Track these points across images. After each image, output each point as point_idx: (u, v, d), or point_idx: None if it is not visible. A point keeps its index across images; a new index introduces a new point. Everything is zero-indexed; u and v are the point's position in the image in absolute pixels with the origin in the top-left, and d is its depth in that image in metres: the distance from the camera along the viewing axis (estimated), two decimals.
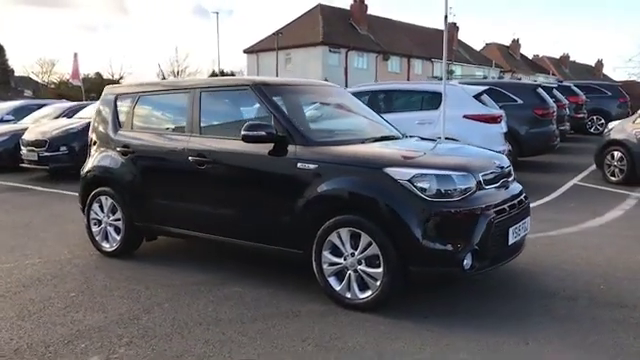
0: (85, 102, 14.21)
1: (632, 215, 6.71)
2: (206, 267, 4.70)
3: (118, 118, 5.20)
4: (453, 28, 52.11)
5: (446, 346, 3.17)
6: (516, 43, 64.08)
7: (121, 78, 48.50)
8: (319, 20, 39.97)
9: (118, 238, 5.04)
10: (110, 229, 5.10)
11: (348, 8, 43.59)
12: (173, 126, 4.89)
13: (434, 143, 4.75)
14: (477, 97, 8.44)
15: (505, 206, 3.77)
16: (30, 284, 4.41)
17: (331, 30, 39.42)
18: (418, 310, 3.68)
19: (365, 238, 3.62)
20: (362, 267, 3.66)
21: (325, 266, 3.83)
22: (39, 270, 4.76)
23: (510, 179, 4.14)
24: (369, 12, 43.83)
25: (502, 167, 4.06)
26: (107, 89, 5.51)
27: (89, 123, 11.03)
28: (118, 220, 5.02)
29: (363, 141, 4.27)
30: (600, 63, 77.78)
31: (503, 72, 54.16)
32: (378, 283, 3.60)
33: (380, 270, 3.58)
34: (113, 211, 5.06)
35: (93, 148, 5.41)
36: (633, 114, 9.85)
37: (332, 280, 3.82)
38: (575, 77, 55.49)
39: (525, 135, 10.06)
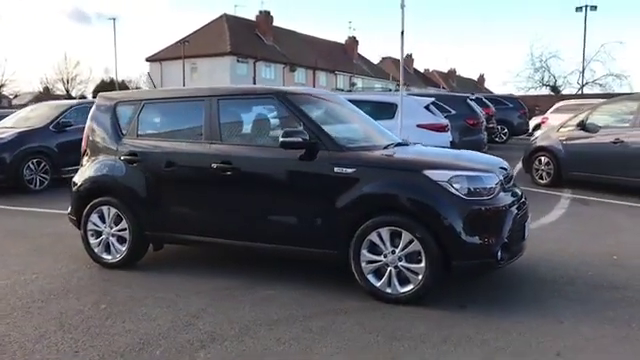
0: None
1: (573, 212, 7.57)
2: (223, 273, 4.73)
3: (119, 126, 5.09)
4: (353, 42, 54.20)
5: (501, 329, 3.52)
6: (410, 58, 67.54)
7: (2, 86, 45.06)
8: (225, 30, 39.79)
9: (123, 249, 4.92)
10: (112, 240, 4.96)
11: (253, 19, 43.79)
12: (187, 133, 4.88)
13: (442, 149, 5.16)
14: (427, 107, 9.06)
15: (519, 204, 4.24)
16: (47, 298, 4.21)
17: (238, 40, 39.39)
18: (452, 301, 4.00)
19: (406, 236, 3.91)
20: (403, 263, 3.94)
21: (364, 264, 4.06)
22: (44, 285, 4.54)
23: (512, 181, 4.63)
24: (274, 24, 44.32)
25: (507, 170, 4.53)
26: (102, 97, 5.36)
27: (21, 133, 10.54)
28: (123, 230, 4.91)
29: (385, 147, 4.56)
30: (482, 77, 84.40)
31: (399, 85, 56.93)
32: (420, 277, 3.90)
33: (422, 265, 3.88)
34: (117, 221, 4.93)
35: (85, 158, 5.23)
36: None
37: (371, 277, 4.06)
38: (461, 90, 59.77)
39: (459, 143, 10.84)
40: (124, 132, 5.04)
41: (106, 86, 45.43)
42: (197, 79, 37.65)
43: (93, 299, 4.19)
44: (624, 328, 3.55)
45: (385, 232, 3.98)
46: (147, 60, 43.68)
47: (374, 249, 4.04)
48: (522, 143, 15.88)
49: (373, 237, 4.01)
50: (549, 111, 18.42)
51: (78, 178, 5.20)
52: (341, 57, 51.59)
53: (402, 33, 8.67)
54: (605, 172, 8.76)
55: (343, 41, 54.07)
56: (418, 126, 8.66)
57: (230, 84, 36.14)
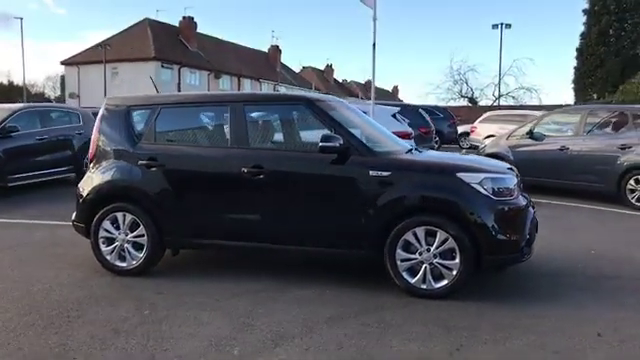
0: None
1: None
2: (249, 276, 4.79)
3: (134, 130, 5.00)
4: (276, 51, 54.46)
5: (537, 316, 3.88)
6: (330, 68, 68.90)
7: None
8: (148, 35, 38.69)
9: (140, 255, 4.83)
10: (128, 246, 4.86)
11: (176, 24, 42.89)
12: (210, 138, 4.89)
13: (454, 154, 5.49)
14: (394, 116, 9.47)
15: (531, 205, 4.66)
16: (80, 307, 4.09)
17: (162, 45, 38.43)
18: (473, 296, 4.29)
19: (442, 234, 4.19)
20: (437, 260, 4.22)
21: (399, 263, 4.30)
22: (67, 294, 4.39)
23: None
24: (198, 30, 43.66)
25: (516, 173, 4.94)
26: (112, 101, 5.23)
27: None
28: (140, 236, 4.83)
29: (408, 151, 4.82)
30: (396, 89, 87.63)
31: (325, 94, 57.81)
32: (454, 272, 4.19)
33: (456, 261, 4.17)
34: (132, 227, 4.84)
35: (93, 164, 5.09)
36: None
37: (405, 275, 4.30)
38: (377, 100, 61.86)
39: None
40: (140, 137, 4.96)
41: (6, 91, 42.60)
42: (119, 84, 36.24)
43: (130, 305, 4.11)
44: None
45: (421, 231, 4.24)
46: (62, 63, 41.48)
47: (408, 248, 4.28)
48: (453, 150, 16.85)
49: (409, 236, 4.26)
50: (477, 121, 19.61)
51: (86, 184, 5.04)
52: (265, 65, 51.68)
53: (374, 45, 9.02)
54: (553, 177, 9.56)
55: (266, 49, 54.18)
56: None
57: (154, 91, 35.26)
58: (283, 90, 50.79)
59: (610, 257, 5.52)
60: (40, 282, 4.70)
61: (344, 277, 4.72)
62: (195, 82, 40.68)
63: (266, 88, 48.89)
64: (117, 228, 4.89)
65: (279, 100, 5.05)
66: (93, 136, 5.14)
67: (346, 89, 71.06)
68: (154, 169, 4.80)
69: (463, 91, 37.10)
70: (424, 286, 4.26)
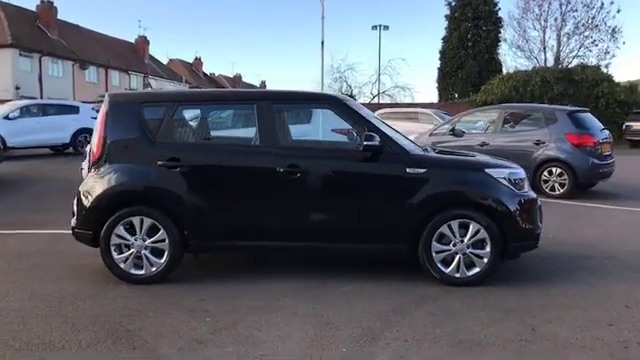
0: None
1: None
2: (281, 275, 4.75)
3: (148, 129, 4.68)
4: (144, 41, 51.83)
5: (564, 295, 4.37)
6: (199, 61, 67.16)
7: None
8: (2, 19, 34.63)
9: (161, 261, 4.57)
10: (146, 253, 4.56)
11: (33, 9, 38.94)
12: (236, 137, 4.75)
13: (464, 151, 5.78)
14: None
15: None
16: (135, 321, 3.80)
17: (19, 31, 34.62)
18: (508, 285, 4.70)
19: (474, 226, 4.53)
20: (470, 250, 4.56)
21: (434, 254, 4.57)
22: (100, 308, 4.06)
23: None
24: (58, 16, 40.04)
25: None
26: (118, 97, 4.83)
27: None
28: (160, 241, 4.56)
29: (424, 150, 5.09)
30: (264, 84, 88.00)
31: (192, 87, 56.24)
32: (485, 260, 4.55)
33: (487, 250, 4.54)
34: (150, 232, 4.55)
35: (98, 165, 4.68)
36: None
37: (440, 265, 4.58)
38: None
39: None
40: (156, 135, 4.66)
41: None
42: None
43: (184, 315, 3.92)
44: None
45: (455, 224, 4.54)
46: None
47: (441, 240, 4.57)
48: None
49: (444, 229, 4.54)
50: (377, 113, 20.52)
51: (92, 188, 4.62)
52: (132, 56, 48.90)
53: (322, 43, 9.18)
54: None
55: (133, 40, 51.27)
56: (332, 130, 9.24)
57: (12, 81, 31.90)
58: (154, 82, 48.64)
59: (571, 242, 6.26)
60: (48, 296, 4.28)
61: (372, 271, 4.87)
62: (58, 73, 37.26)
63: (135, 80, 46.38)
64: (132, 234, 4.56)
65: (307, 99, 5.03)
66: (97, 135, 4.71)
67: (215, 82, 69.84)
68: (178, 169, 4.55)
69: (343, 89, 38.46)
70: (458, 275, 4.57)
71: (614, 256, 5.59)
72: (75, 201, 4.79)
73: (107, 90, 40.22)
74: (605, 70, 30.45)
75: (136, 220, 4.55)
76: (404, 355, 3.27)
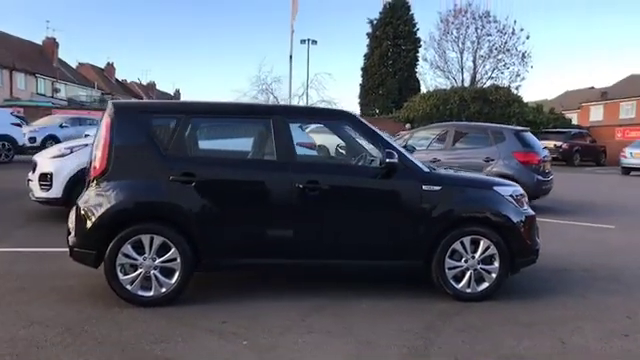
0: None
1: None
2: (291, 293, 4.66)
3: (159, 142, 4.43)
4: (53, 44, 48.96)
5: (567, 308, 4.62)
6: (111, 67, 64.37)
7: None
8: None
9: (172, 281, 4.32)
10: (155, 273, 4.30)
11: None
12: (252, 152, 4.59)
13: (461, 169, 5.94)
14: (300, 127, 9.67)
15: None
16: (167, 347, 3.55)
17: None
18: (511, 299, 4.88)
19: (485, 242, 4.69)
20: (480, 266, 4.71)
21: (447, 271, 4.67)
22: (119, 333, 3.76)
23: None
24: None
25: None
26: (123, 106, 4.52)
27: None
28: (171, 261, 4.31)
29: (431, 168, 5.19)
30: (178, 92, 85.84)
31: (104, 94, 53.75)
32: (494, 276, 4.72)
33: (495, 265, 4.71)
34: (161, 251, 4.30)
35: (101, 179, 4.35)
36: None
37: (452, 281, 4.69)
38: None
39: None
40: (167, 149, 4.41)
41: None
42: None
43: (212, 338, 3.73)
44: (633, 296, 5.04)
45: (467, 240, 4.67)
46: None
47: (453, 256, 4.68)
48: None
49: (457, 245, 4.66)
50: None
51: (97, 203, 4.29)
52: (39, 59, 45.93)
53: (290, 57, 9.14)
54: None
55: (40, 42, 48.23)
56: (298, 144, 9.20)
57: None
58: (63, 87, 46.05)
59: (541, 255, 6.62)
60: (59, 323, 3.89)
61: (380, 288, 4.89)
62: None
63: (43, 84, 43.63)
64: (141, 253, 4.28)
65: (324, 114, 4.97)
66: (102, 146, 4.37)
67: (128, 89, 67.21)
68: (193, 184, 4.33)
69: (270, 101, 38.22)
70: (469, 290, 4.70)
71: (588, 269, 5.99)
72: (73, 218, 4.42)
73: (11, 94, 37.54)
74: (516, 91, 32.71)
75: (145, 238, 4.27)
76: None
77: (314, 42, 31.66)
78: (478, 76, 34.71)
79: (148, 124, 4.46)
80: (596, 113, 47.20)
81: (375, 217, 4.62)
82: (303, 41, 30.98)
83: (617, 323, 4.29)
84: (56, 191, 7.74)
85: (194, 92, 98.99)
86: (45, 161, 8.08)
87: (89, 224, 4.27)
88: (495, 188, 4.84)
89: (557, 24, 76.14)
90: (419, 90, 36.92)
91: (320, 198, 4.48)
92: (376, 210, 4.63)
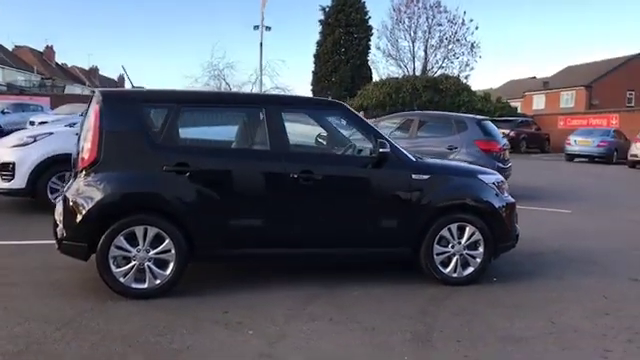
0: None
1: None
2: (281, 282, 4.69)
3: (151, 131, 4.34)
4: None
5: (550, 290, 4.86)
6: (50, 50, 61.58)
7: None
8: None
9: (166, 273, 4.26)
10: (149, 264, 4.23)
11: None
12: (245, 141, 4.57)
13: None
14: None
15: None
16: (180, 339, 3.53)
17: None
18: (492, 283, 5.09)
19: (470, 229, 4.86)
20: (466, 251, 4.88)
21: (435, 257, 4.82)
22: (121, 326, 3.69)
23: None
24: None
25: None
26: (113, 94, 4.39)
27: None
28: (166, 252, 4.26)
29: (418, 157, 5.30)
30: (122, 78, 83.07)
31: (45, 79, 51.48)
32: (478, 261, 4.90)
33: (480, 251, 4.90)
34: (155, 243, 4.24)
35: (92, 169, 4.22)
36: None
37: (440, 267, 4.84)
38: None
39: None
40: (160, 138, 4.33)
41: None
42: None
43: (222, 329, 3.73)
44: (605, 276, 5.34)
45: (454, 227, 4.83)
46: None
47: (441, 242, 4.83)
48: None
49: (444, 232, 4.81)
50: None
51: (88, 194, 4.17)
52: None
53: (261, 45, 9.05)
54: None
55: None
56: None
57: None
58: (0, 74, 43.84)
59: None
60: (56, 318, 3.78)
61: (366, 275, 4.99)
62: None
63: None
64: (134, 245, 4.20)
65: (317, 104, 4.97)
66: (91, 136, 4.23)
67: (70, 74, 64.62)
68: (186, 175, 4.27)
69: (222, 87, 37.63)
70: (455, 275, 4.87)
71: (558, 251, 6.31)
72: (61, 210, 4.29)
73: None
74: (465, 81, 33.54)
75: (139, 230, 4.19)
76: (468, 355, 3.44)
77: (267, 28, 31.41)
78: (429, 65, 35.37)
79: (139, 113, 4.35)
80: (538, 102, 49.02)
81: (367, 206, 4.70)
82: (256, 27, 30.68)
83: (596, 303, 4.56)
84: (19, 182, 7.45)
85: (140, 78, 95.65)
86: (5, 150, 7.73)
87: (79, 216, 4.15)
88: (479, 176, 5.02)
89: (501, 15, 78.58)
90: (371, 78, 37.32)
91: (314, 188, 4.51)
92: (368, 199, 4.71)
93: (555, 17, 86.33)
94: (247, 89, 33.46)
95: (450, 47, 34.71)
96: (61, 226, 4.27)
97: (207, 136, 4.65)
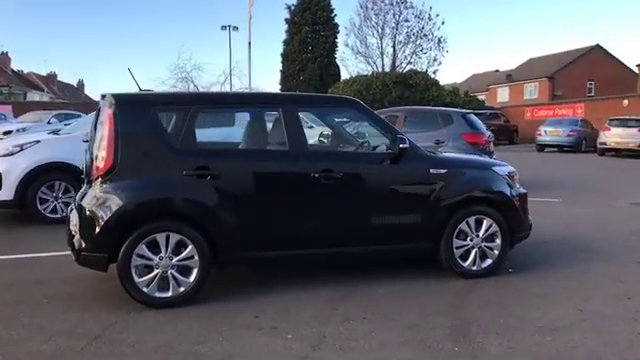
0: None
1: None
2: (305, 283, 4.63)
3: (167, 135, 4.22)
4: None
5: (564, 277, 4.94)
6: (5, 56, 59.67)
7: None
8: None
9: (190, 280, 4.15)
10: (172, 272, 4.12)
11: None
12: (264, 142, 4.47)
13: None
14: None
15: None
16: (231, 346, 3.42)
17: None
18: (509, 273, 5.11)
19: (488, 221, 4.89)
20: (484, 244, 4.91)
21: (454, 250, 4.83)
22: (153, 338, 3.56)
23: None
24: None
25: None
26: (125, 98, 4.23)
27: None
28: (189, 258, 4.15)
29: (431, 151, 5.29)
30: (81, 83, 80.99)
31: (1, 86, 49.85)
32: (496, 252, 4.94)
33: (497, 243, 4.93)
34: (178, 249, 4.12)
35: (109, 176, 4.07)
36: None
37: (459, 260, 4.86)
38: (63, 95, 57.27)
39: None
40: (177, 142, 4.21)
41: None
42: None
43: (259, 335, 3.65)
44: (611, 260, 5.46)
45: (472, 220, 4.85)
46: None
47: (459, 236, 4.85)
48: None
49: (463, 226, 4.83)
50: None
51: (107, 202, 4.02)
52: None
53: (249, 44, 8.98)
54: None
55: None
56: None
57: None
58: None
59: None
60: (79, 332, 3.64)
61: (380, 272, 4.96)
62: None
63: None
64: (156, 252, 4.08)
65: (333, 102, 4.91)
66: (107, 142, 4.07)
67: (27, 81, 62.70)
68: (208, 179, 4.17)
69: (190, 89, 37.03)
70: (474, 267, 4.89)
71: (560, 240, 6.41)
72: (76, 220, 4.13)
73: None
74: (433, 75, 33.90)
75: (161, 237, 4.07)
76: (511, 346, 3.45)
77: (235, 28, 31.16)
78: (398, 61, 35.62)
79: (154, 116, 4.22)
80: (502, 94, 49.93)
81: (388, 202, 4.68)
82: (224, 27, 30.32)
83: (615, 288, 4.65)
84: (7, 193, 7.16)
85: (101, 82, 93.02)
86: None
87: (99, 226, 4.00)
88: (494, 168, 5.05)
89: (462, 10, 79.68)
90: (339, 76, 37.38)
91: (335, 186, 4.46)
92: (389, 195, 4.69)
93: (515, 10, 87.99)
94: (215, 90, 33.11)
95: (418, 42, 35.07)
96: (78, 237, 4.11)
97: (225, 138, 4.54)
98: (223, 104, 4.62)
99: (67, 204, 7.31)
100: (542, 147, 23.64)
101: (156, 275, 4.07)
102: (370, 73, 34.31)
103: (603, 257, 5.66)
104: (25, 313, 4.02)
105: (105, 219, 3.99)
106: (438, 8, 57.88)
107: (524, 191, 5.26)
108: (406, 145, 4.56)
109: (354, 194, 4.59)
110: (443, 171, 4.78)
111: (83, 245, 4.05)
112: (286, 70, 38.80)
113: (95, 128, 4.64)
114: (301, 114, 4.68)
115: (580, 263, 5.42)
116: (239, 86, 33.22)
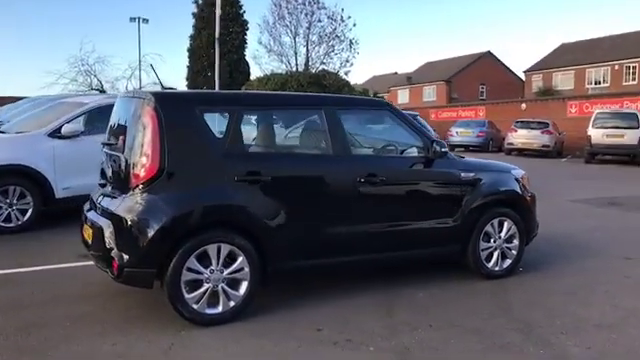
0: None
1: None
2: (335, 291, 4.50)
3: (215, 138, 3.90)
4: None
5: (570, 275, 5.21)
6: None
7: None
8: None
9: (240, 294, 3.88)
10: (223, 286, 3.82)
11: None
12: (308, 145, 4.27)
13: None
14: None
15: None
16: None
17: None
18: (519, 273, 5.29)
19: (508, 223, 5.05)
20: (505, 244, 5.06)
21: (480, 252, 4.94)
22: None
23: None
24: None
25: None
26: (173, 98, 3.88)
27: None
28: (239, 271, 3.87)
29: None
30: None
31: None
32: (514, 252, 5.12)
33: (515, 243, 5.12)
34: (228, 261, 3.83)
35: (153, 183, 3.68)
36: None
37: (485, 262, 4.97)
38: None
39: None
40: (225, 146, 3.90)
41: None
42: None
43: (336, 349, 3.49)
44: (602, 256, 5.84)
45: (496, 222, 4.99)
46: None
47: (484, 238, 4.96)
48: None
49: (488, 228, 4.95)
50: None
51: (154, 213, 3.64)
52: None
53: (217, 39, 8.48)
54: None
55: None
56: None
57: None
58: None
59: None
60: (140, 356, 3.27)
61: (408, 277, 4.94)
62: None
63: None
64: (206, 265, 3.76)
65: (368, 104, 4.76)
66: (150, 147, 3.66)
67: None
68: (256, 185, 3.90)
69: (93, 84, 34.53)
70: (497, 268, 5.04)
71: (549, 239, 6.66)
72: (113, 232, 3.68)
73: None
74: (345, 76, 34.46)
75: (212, 249, 3.75)
76: (589, 347, 3.57)
77: (145, 21, 29.61)
78: (311, 61, 35.77)
79: (201, 117, 3.87)
80: (403, 96, 52.04)
81: (427, 206, 4.69)
82: (133, 19, 28.71)
83: (622, 282, 4.98)
84: None
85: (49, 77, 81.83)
86: None
87: (147, 238, 3.60)
88: (512, 172, 5.24)
89: (364, 11, 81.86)
90: (249, 73, 36.91)
91: (380, 191, 4.38)
92: (428, 199, 4.71)
93: (413, 14, 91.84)
94: (121, 85, 31.42)
95: (331, 43, 35.44)
96: (116, 251, 3.67)
97: (273, 141, 4.26)
98: (269, 105, 4.33)
99: (22, 211, 6.59)
100: (452, 147, 24.89)
101: (206, 290, 3.75)
102: (284, 72, 34.17)
103: (592, 253, 6.04)
104: (54, 339, 3.52)
105: (152, 231, 3.60)
106: (347, 10, 59.07)
107: (533, 193, 5.49)
108: (445, 149, 4.58)
109: (398, 198, 4.55)
110: (471, 175, 4.86)
111: (126, 260, 3.62)
112: (193, 66, 37.61)
113: (115, 128, 4.20)
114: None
115: (577, 260, 5.74)
116: (147, 81, 31.70)
